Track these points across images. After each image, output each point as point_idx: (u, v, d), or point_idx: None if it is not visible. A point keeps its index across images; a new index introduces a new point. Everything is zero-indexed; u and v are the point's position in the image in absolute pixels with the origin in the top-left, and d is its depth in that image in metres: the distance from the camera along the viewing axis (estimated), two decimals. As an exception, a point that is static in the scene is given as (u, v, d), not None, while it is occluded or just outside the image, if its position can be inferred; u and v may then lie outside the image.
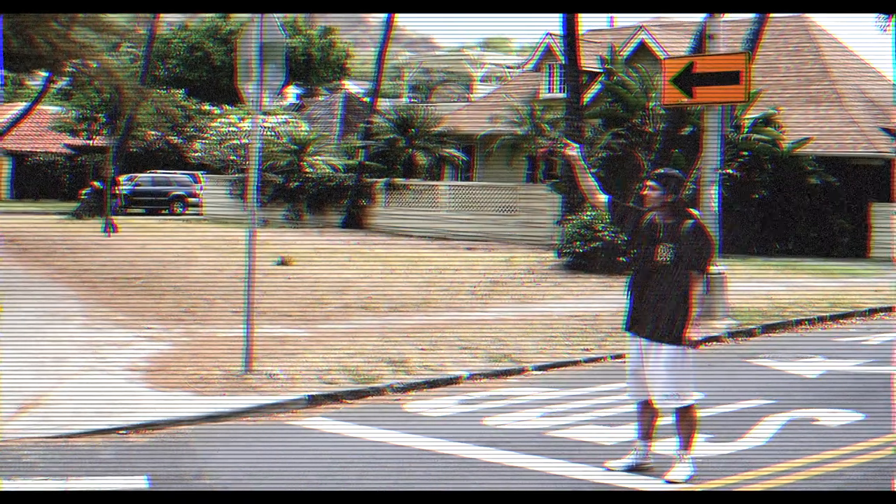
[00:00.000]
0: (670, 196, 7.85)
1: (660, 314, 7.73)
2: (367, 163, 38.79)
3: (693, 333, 7.69)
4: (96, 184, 36.19)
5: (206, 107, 54.40)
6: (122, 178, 36.04)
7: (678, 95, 15.61)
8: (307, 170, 40.22)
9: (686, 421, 7.82)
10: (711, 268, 7.92)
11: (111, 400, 9.86)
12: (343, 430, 9.22)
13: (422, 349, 12.84)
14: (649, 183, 7.92)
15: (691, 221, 7.83)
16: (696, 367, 7.94)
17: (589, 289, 19.65)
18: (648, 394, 7.92)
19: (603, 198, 8.27)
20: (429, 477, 7.93)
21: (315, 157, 40.89)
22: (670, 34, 37.19)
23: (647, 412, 8.04)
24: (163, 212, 47.88)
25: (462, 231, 35.29)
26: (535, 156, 36.70)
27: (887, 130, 31.62)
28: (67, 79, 40.58)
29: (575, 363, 12.69)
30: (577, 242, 22.34)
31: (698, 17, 19.41)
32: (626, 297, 8.04)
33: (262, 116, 11.99)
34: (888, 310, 18.03)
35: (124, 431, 8.95)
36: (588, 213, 22.93)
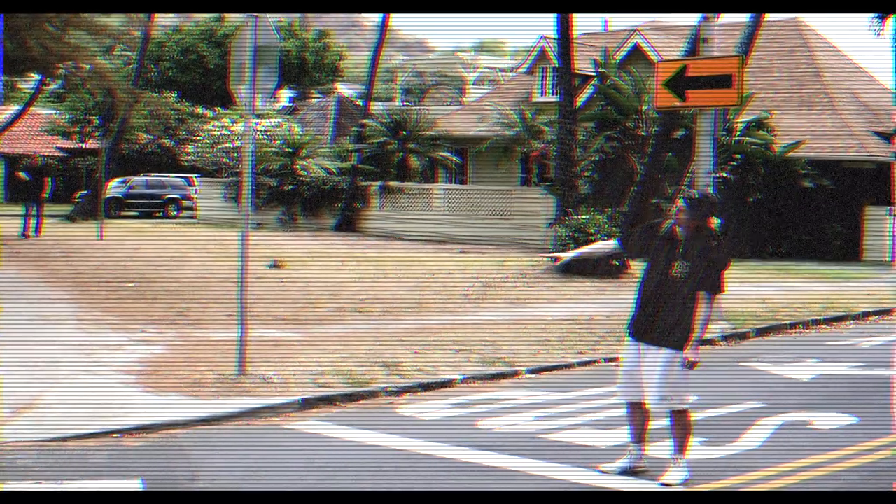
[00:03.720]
0: (696, 221, 7.81)
1: (664, 322, 7.73)
2: (360, 166, 38.77)
3: (691, 355, 7.69)
4: (21, 174, 30.72)
5: (199, 110, 54.37)
6: (49, 179, 31.90)
7: (671, 99, 15.62)
8: (301, 173, 40.21)
9: (681, 424, 7.83)
10: (725, 288, 7.90)
11: (105, 403, 9.86)
12: (336, 433, 9.22)
13: (415, 352, 12.84)
14: (680, 204, 7.84)
15: (715, 243, 7.80)
16: (696, 373, 7.90)
17: (582, 291, 19.66)
18: (640, 395, 7.92)
19: (611, 243, 8.51)
20: (422, 479, 7.93)
21: (309, 160, 40.88)
22: (665, 37, 37.25)
23: (637, 414, 8.04)
24: (157, 214, 47.82)
25: (456, 234, 35.29)
26: (528, 158, 36.71)
27: (879, 134, 31.67)
28: (60, 81, 40.47)
29: (568, 366, 12.69)
30: (571, 245, 22.33)
31: (693, 21, 19.42)
32: (633, 300, 8.04)
33: (254, 119, 11.99)
34: (881, 313, 18.07)
35: (118, 434, 8.94)
36: (582, 216, 22.93)
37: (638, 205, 22.03)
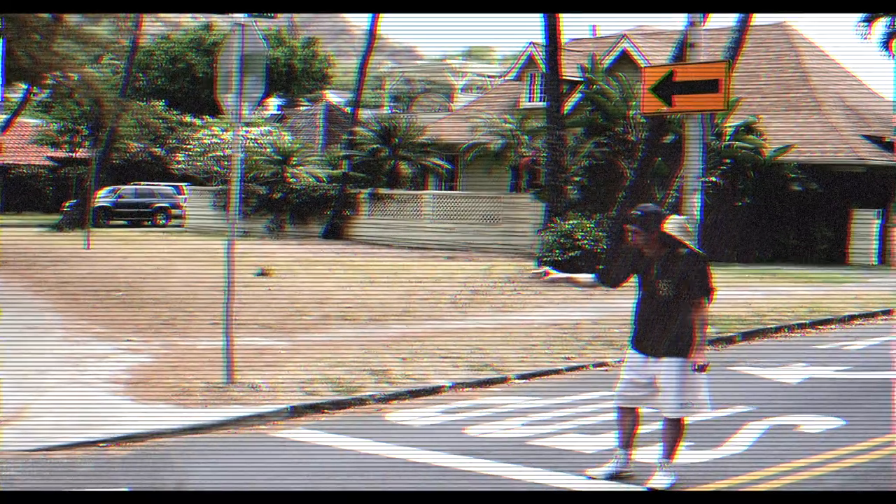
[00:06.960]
0: (655, 233, 7.86)
1: (668, 335, 7.76)
2: (350, 173, 38.80)
3: (699, 358, 7.72)
4: None
5: (188, 118, 54.34)
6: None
7: (657, 104, 15.64)
8: (290, 180, 40.21)
9: (674, 429, 7.84)
10: (716, 290, 7.94)
11: (92, 413, 9.82)
12: (325, 441, 9.21)
13: (403, 359, 12.84)
14: (630, 227, 7.91)
15: (684, 251, 7.81)
16: (709, 378, 7.92)
17: (569, 297, 19.65)
18: (640, 403, 7.96)
19: (590, 277, 8.53)
20: (410, 487, 7.92)
21: (298, 168, 40.89)
22: (652, 43, 37.33)
23: (627, 420, 8.05)
24: (146, 223, 47.77)
25: (445, 241, 35.31)
26: (517, 165, 36.75)
27: (878, 140, 31.71)
28: (48, 91, 40.35)
29: (556, 372, 12.70)
30: (557, 251, 22.39)
31: (680, 26, 19.50)
32: (632, 319, 8.07)
33: (243, 128, 12.00)
34: (867, 316, 18.11)
35: (105, 444, 8.91)
36: (569, 222, 22.96)
37: (627, 211, 22.02)
